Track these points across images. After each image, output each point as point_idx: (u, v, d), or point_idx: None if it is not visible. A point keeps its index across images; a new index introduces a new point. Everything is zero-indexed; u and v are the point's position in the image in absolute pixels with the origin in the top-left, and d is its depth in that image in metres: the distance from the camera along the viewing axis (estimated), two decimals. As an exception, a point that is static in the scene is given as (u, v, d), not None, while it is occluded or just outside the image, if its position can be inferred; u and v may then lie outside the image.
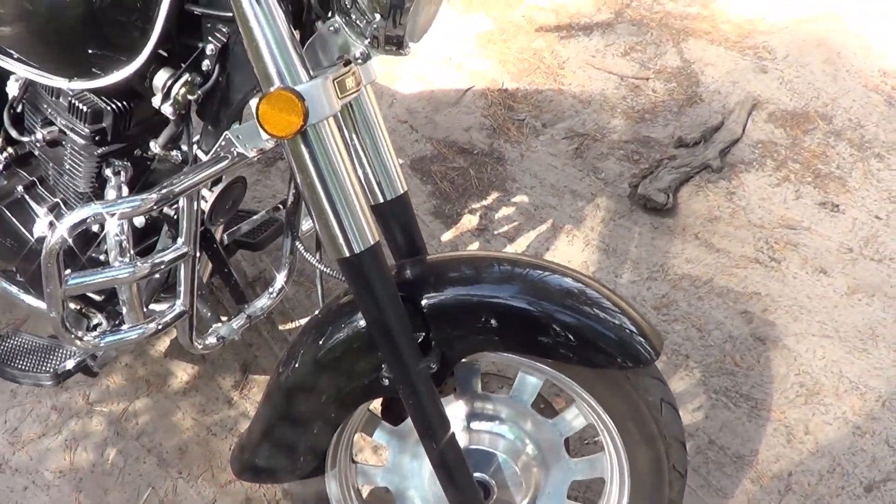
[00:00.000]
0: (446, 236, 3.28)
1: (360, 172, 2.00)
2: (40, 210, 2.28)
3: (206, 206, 2.06)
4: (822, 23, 4.52)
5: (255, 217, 2.59)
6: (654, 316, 3.15)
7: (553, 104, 3.80)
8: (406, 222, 2.06)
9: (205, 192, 2.05)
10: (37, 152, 2.24)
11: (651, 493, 2.08)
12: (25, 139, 2.22)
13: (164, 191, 1.84)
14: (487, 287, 1.91)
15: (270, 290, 2.38)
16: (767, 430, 2.89)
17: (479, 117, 3.71)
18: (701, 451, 2.81)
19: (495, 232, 3.34)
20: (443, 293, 1.89)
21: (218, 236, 2.37)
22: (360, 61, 1.75)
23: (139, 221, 2.14)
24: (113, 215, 1.84)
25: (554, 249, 3.31)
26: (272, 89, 1.62)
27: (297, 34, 1.73)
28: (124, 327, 2.10)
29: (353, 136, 1.98)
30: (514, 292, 1.90)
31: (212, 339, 2.26)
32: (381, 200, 2.02)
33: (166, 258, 1.97)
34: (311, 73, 1.67)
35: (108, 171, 2.08)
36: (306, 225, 2.40)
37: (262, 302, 2.37)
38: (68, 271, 1.89)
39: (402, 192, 2.04)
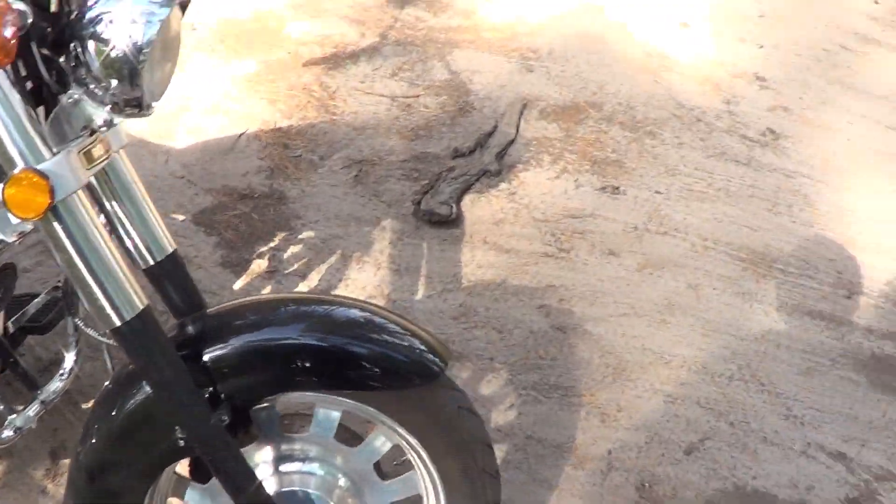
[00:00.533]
0: (238, 284, 3.25)
1: (124, 238, 1.97)
2: None
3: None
4: (582, 15, 4.66)
5: (37, 300, 2.53)
6: (455, 326, 3.18)
7: (328, 136, 3.81)
8: (180, 280, 2.03)
9: (-27, 287, 2.01)
10: None
11: (467, 499, 2.11)
12: None
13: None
14: (271, 330, 1.93)
15: (61, 371, 2.34)
16: (581, 414, 2.95)
17: (255, 160, 3.69)
18: (520, 447, 2.84)
19: (286, 272, 3.32)
20: (226, 343, 1.88)
21: (1, 326, 2.32)
22: (104, 129, 1.73)
23: None
24: None
25: (346, 279, 3.31)
26: (15, 172, 1.59)
27: (41, 111, 1.71)
28: None
29: (113, 202, 1.95)
30: (299, 331, 1.92)
31: (8, 433, 2.19)
32: (152, 263, 1.98)
33: (-58, 358, 1.92)
34: (55, 149, 1.65)
35: None
36: (86, 300, 2.36)
37: (55, 385, 2.31)
38: None
39: (171, 250, 2.01)
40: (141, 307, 1.74)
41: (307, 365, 1.90)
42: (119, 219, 1.94)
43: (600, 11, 4.69)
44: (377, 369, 1.89)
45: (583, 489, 2.77)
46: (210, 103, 3.90)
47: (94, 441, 1.96)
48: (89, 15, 1.58)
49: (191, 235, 3.44)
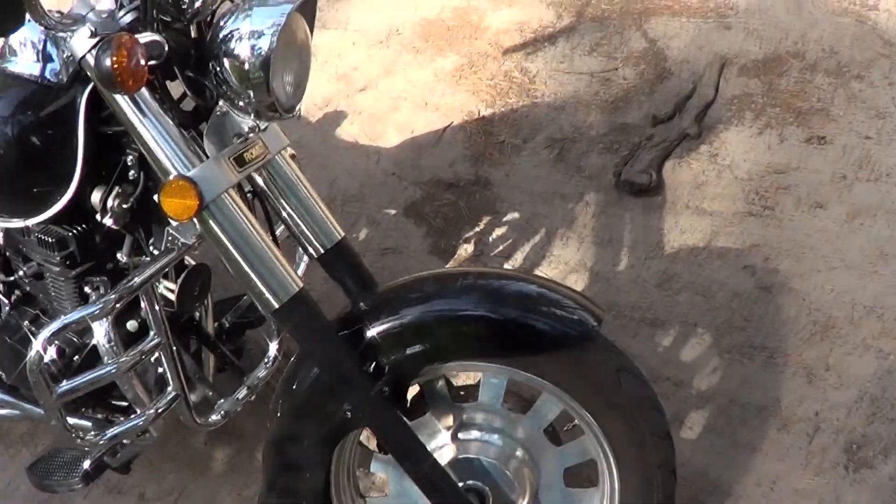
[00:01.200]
0: (446, 270, 3.36)
1: (294, 231, 2.14)
2: (42, 338, 2.44)
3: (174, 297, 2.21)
4: (779, -36, 4.50)
5: (245, 297, 2.71)
6: (657, 293, 3.20)
7: (529, 119, 3.87)
8: (351, 264, 2.18)
9: (170, 284, 2.21)
10: (28, 288, 2.40)
11: (637, 463, 2.14)
12: (16, 278, 2.40)
13: (120, 291, 1.98)
14: (430, 303, 2.05)
15: (266, 360, 2.51)
16: (786, 375, 2.91)
17: (460, 150, 3.80)
18: (723, 411, 2.84)
19: (492, 254, 3.41)
20: (393, 316, 2.02)
21: (211, 323, 2.53)
22: (251, 135, 1.91)
23: (132, 325, 2.28)
24: (80, 324, 2.02)
25: (550, 256, 3.37)
26: (168, 180, 1.80)
27: (204, 126, 1.91)
28: (121, 419, 2.25)
29: (280, 199, 2.12)
30: (459, 303, 2.04)
31: (216, 416, 2.36)
32: (322, 251, 2.14)
33: (145, 349, 2.06)
34: (205, 156, 1.85)
35: (87, 289, 2.22)
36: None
37: (260, 372, 2.48)
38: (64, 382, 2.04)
39: (339, 238, 2.16)
40: (296, 289, 1.93)
41: (460, 335, 2.02)
42: (287, 212, 2.13)
43: (796, -43, 4.51)
44: (537, 331, 1.99)
45: (787, 452, 2.74)
46: (417, 101, 4.03)
47: (279, 415, 2.14)
48: (221, 35, 1.75)
49: (401, 227, 3.59)
